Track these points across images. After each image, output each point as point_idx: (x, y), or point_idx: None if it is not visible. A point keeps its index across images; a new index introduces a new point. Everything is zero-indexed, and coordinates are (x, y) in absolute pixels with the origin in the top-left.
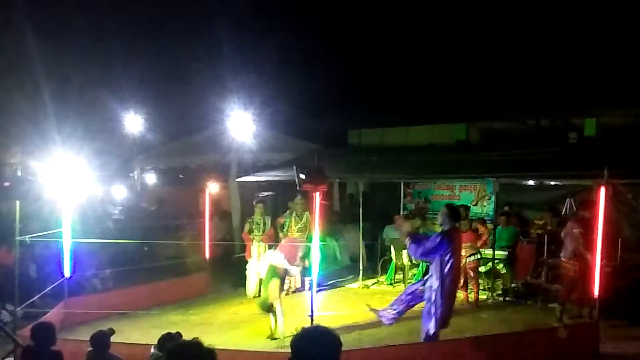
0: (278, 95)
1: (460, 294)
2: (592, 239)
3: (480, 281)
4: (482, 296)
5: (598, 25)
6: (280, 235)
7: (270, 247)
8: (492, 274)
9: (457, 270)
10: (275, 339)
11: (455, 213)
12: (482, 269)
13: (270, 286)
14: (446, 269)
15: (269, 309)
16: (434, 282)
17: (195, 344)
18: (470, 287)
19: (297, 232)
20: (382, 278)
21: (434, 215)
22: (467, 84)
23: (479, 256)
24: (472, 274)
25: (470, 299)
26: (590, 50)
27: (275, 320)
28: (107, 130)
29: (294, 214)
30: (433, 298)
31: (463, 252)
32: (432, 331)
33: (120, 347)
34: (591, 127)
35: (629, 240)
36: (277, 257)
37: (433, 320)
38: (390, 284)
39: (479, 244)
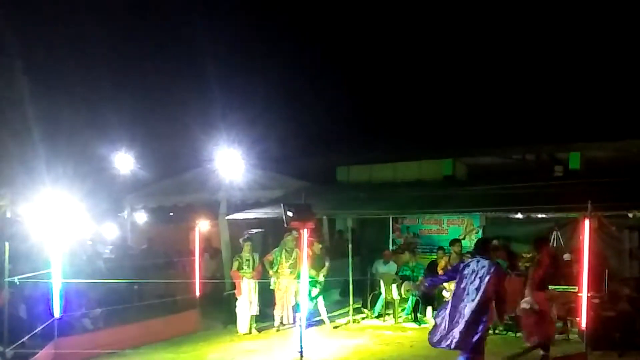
0: (267, 134)
1: None
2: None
3: None
4: None
5: (582, 61)
6: (270, 272)
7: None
8: None
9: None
10: None
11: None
12: None
13: None
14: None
15: None
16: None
17: None
18: None
19: (288, 268)
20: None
21: (423, 249)
22: (453, 120)
23: None
24: None
25: None
26: (574, 85)
27: None
28: (96, 170)
29: (284, 251)
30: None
31: (452, 287)
32: None
33: None
34: (576, 160)
35: (615, 271)
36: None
37: None
38: (377, 316)
39: None
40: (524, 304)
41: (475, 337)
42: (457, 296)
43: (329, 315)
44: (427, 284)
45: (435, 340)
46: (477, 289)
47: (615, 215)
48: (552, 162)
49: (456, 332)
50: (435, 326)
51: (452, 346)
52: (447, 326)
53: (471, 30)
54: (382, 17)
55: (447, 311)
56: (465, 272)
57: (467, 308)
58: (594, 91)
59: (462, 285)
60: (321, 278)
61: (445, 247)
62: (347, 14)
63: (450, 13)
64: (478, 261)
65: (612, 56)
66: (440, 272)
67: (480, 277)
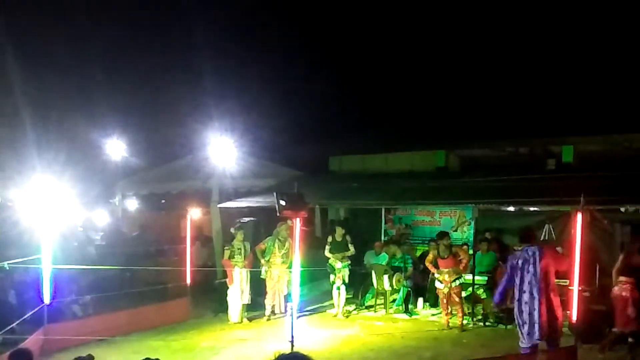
0: (259, 122)
1: (442, 319)
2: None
3: None
4: (463, 321)
5: (575, 53)
6: (262, 261)
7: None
8: (472, 299)
9: (526, 285)
10: None
11: (523, 235)
12: (462, 294)
13: None
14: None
15: None
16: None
17: None
18: (453, 311)
19: (280, 257)
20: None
21: (415, 240)
22: (446, 112)
23: (462, 280)
24: (456, 299)
25: (451, 324)
26: (567, 77)
27: None
28: (88, 156)
29: (277, 240)
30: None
31: (447, 277)
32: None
33: None
34: (569, 154)
35: (606, 265)
36: None
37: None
38: (366, 307)
39: (461, 268)
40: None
41: (554, 323)
42: (521, 290)
43: (322, 305)
44: (496, 301)
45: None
46: (535, 275)
47: (607, 209)
48: (545, 155)
49: (537, 325)
50: (520, 325)
51: (538, 339)
52: (527, 321)
53: (465, 23)
54: (376, 8)
55: (522, 306)
56: (519, 263)
57: (534, 297)
58: (587, 84)
59: (520, 278)
60: (339, 265)
61: (436, 239)
62: (341, 5)
63: (444, 5)
64: (526, 250)
65: (606, 50)
66: (428, 264)
67: (533, 264)
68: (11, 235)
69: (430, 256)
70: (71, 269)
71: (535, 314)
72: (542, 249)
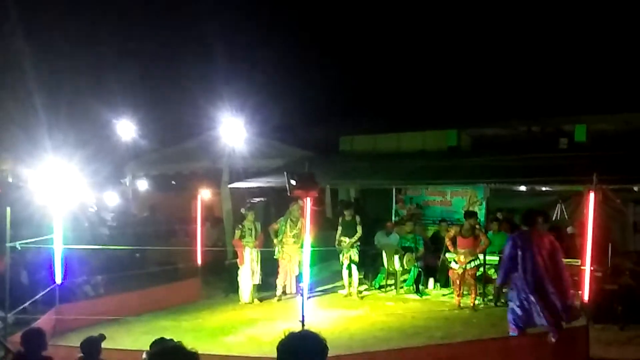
0: (270, 102)
1: (453, 299)
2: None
3: None
4: (475, 301)
5: (589, 32)
6: (275, 241)
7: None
8: (484, 279)
9: (536, 266)
10: None
11: (526, 217)
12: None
13: None
14: (526, 270)
15: None
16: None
17: (177, 347)
18: (465, 292)
19: (292, 237)
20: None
21: (426, 220)
22: (458, 90)
23: (478, 262)
24: (472, 281)
25: (462, 305)
26: (580, 56)
27: None
28: (98, 136)
29: (289, 220)
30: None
31: (462, 258)
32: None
33: (111, 353)
34: (581, 133)
35: (619, 245)
36: None
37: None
38: (378, 288)
39: (477, 251)
40: None
41: (561, 308)
42: (529, 271)
43: (332, 285)
44: (499, 282)
45: (529, 321)
46: (544, 259)
47: (620, 188)
48: (558, 134)
49: (547, 307)
50: (522, 308)
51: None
52: (536, 303)
53: (477, 1)
54: None
55: (529, 290)
56: (526, 245)
57: (543, 281)
58: (601, 63)
59: (527, 259)
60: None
61: (447, 219)
62: None
63: None
64: (527, 232)
65: (620, 28)
66: (448, 242)
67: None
68: (23, 215)
69: (451, 232)
70: (82, 250)
71: (547, 301)
72: (536, 232)
